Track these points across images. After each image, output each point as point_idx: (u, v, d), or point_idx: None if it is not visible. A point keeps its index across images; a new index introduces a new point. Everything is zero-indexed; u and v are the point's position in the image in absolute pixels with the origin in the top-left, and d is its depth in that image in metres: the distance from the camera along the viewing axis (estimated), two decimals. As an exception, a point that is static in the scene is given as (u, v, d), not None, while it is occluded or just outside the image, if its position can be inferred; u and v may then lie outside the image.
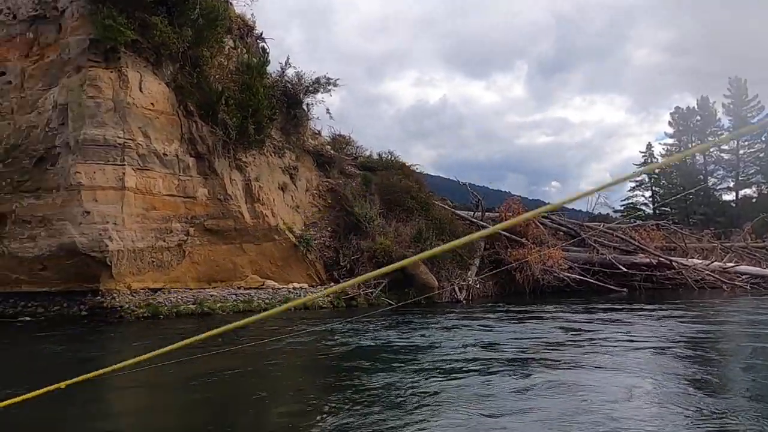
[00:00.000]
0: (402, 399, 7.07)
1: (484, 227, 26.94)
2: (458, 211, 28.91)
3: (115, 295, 17.06)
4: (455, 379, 8.26)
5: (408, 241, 23.35)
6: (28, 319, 16.77)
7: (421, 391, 7.45)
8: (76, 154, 17.26)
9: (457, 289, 23.32)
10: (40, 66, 18.96)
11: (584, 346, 11.23)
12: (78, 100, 17.60)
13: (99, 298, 17.00)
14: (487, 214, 28.81)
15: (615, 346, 10.79)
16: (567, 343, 11.69)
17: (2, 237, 17.66)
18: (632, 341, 11.50)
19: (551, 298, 22.65)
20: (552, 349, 10.77)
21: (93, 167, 17.29)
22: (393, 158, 28.74)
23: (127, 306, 16.90)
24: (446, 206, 28.74)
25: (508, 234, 26.36)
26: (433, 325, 15.06)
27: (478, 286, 24.48)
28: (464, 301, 22.98)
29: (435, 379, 8.32)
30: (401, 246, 22.89)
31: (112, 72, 18.00)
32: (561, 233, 29.38)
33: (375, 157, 29.07)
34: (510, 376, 8.29)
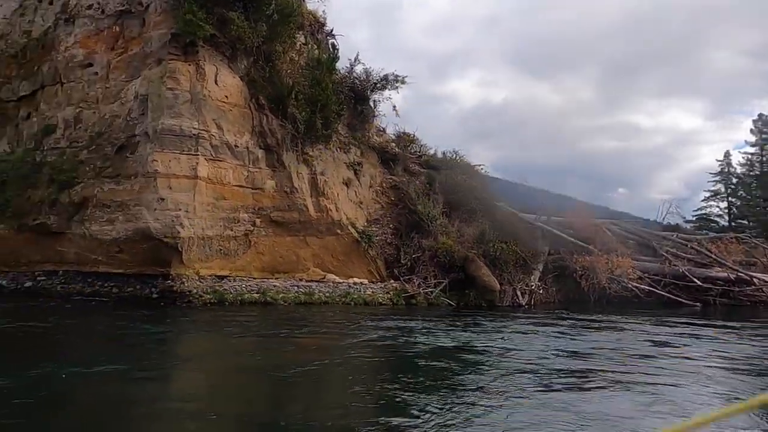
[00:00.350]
0: (501, 405, 6.85)
1: (550, 232, 26.25)
2: (521, 214, 28.21)
3: (184, 279, 17.65)
4: (552, 390, 7.83)
5: (471, 242, 23.00)
6: (105, 299, 17.62)
7: (518, 397, 7.20)
8: (153, 142, 17.98)
9: (519, 293, 22.78)
10: (124, 58, 19.88)
11: (679, 361, 10.55)
12: (158, 92, 18.32)
13: (169, 282, 17.62)
14: (553, 218, 27.96)
15: (716, 365, 10.09)
16: (657, 356, 11.04)
17: (84, 219, 18.61)
18: (730, 359, 10.75)
19: (618, 308, 21.74)
20: (644, 363, 10.16)
21: (169, 156, 17.96)
22: (458, 158, 28.42)
23: (195, 291, 17.45)
24: (509, 208, 28.11)
25: (574, 240, 25.55)
26: (506, 329, 14.76)
27: (540, 291, 23.83)
28: (526, 306, 22.43)
29: (530, 386, 7.97)
30: (464, 246, 22.59)
31: (190, 65, 18.65)
32: (631, 242, 28.16)
33: (439, 155, 28.83)
34: (611, 390, 7.83)
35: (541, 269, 24.65)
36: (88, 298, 17.56)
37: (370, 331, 13.10)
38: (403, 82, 25.17)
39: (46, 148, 20.23)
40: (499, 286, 22.28)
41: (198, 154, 18.34)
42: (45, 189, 18.67)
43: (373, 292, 20.87)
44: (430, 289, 21.63)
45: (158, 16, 19.15)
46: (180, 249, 17.63)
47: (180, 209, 17.86)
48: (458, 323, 15.81)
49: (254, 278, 19.42)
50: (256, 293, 18.44)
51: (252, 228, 19.78)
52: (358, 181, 24.09)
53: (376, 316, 16.69)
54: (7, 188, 19.26)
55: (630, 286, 24.35)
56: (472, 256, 22.47)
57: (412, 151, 28.36)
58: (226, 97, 19.36)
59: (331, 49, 24.75)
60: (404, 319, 15.96)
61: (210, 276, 18.38)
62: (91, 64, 20.38)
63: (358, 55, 25.30)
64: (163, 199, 17.75)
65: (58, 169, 18.80)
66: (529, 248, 24.86)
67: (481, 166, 29.54)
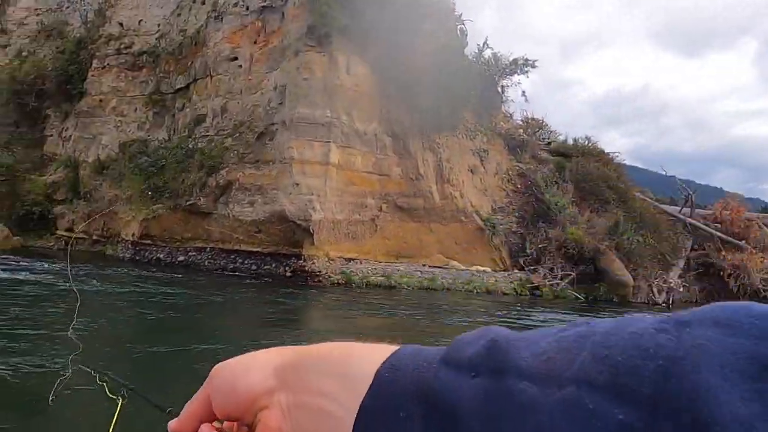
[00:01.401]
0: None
1: (694, 226, 24.14)
2: (661, 206, 26.19)
3: (315, 260, 18.64)
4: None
5: (602, 233, 21.79)
6: (244, 275, 19.14)
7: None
8: (290, 130, 19.09)
9: (655, 290, 21.26)
10: (264, 51, 21.24)
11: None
12: (294, 82, 19.39)
13: (302, 262, 18.72)
14: (696, 210, 25.65)
15: None
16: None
17: (228, 201, 20.28)
18: None
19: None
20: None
21: (303, 143, 18.98)
22: (590, 144, 26.99)
23: (324, 271, 18.38)
24: (647, 198, 26.22)
25: (723, 236, 23.27)
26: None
27: (680, 289, 22.03)
28: (663, 304, 20.88)
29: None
30: (594, 238, 21.46)
31: (324, 55, 19.50)
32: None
33: (569, 142, 27.60)
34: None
35: (681, 265, 22.77)
36: (231, 274, 19.17)
37: (499, 321, 13.00)
38: (533, 66, 24.43)
39: (197, 135, 22.27)
40: (632, 281, 20.96)
41: (330, 141, 19.18)
42: (196, 173, 20.58)
43: (496, 280, 20.59)
44: (557, 281, 20.88)
45: (296, 9, 20.18)
46: (312, 231, 18.63)
47: (312, 194, 18.84)
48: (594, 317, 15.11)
49: (380, 262, 20.00)
50: (381, 276, 19.00)
51: (378, 213, 20.35)
52: (484, 168, 23.78)
53: (501, 306, 16.48)
54: (165, 172, 21.49)
55: (789, 288, 21.74)
56: (603, 249, 21.31)
57: (541, 137, 27.44)
58: (357, 85, 19.99)
59: (459, 35, 24.53)
60: (531, 310, 15.59)
61: (338, 258, 19.22)
62: (236, 58, 22.03)
63: (486, 40, 24.92)
64: (297, 184, 18.83)
65: (207, 155, 20.62)
66: (669, 242, 23.07)
67: (616, 154, 27.84)
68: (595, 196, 23.79)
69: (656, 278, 21.58)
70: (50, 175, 26.20)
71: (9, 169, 25.60)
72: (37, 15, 31.36)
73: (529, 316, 14.45)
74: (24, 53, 29.82)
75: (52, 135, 27.93)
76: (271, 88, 20.39)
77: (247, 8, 21.95)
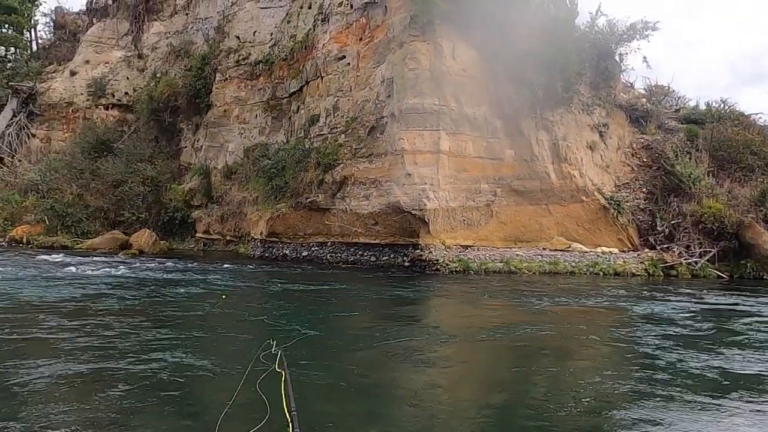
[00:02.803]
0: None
1: None
2: (819, 169, 23.07)
3: (432, 249, 18.73)
4: None
5: (746, 205, 19.71)
6: (364, 266, 19.71)
7: None
8: (399, 122, 19.28)
9: (818, 264, 18.84)
10: (370, 47, 21.61)
11: None
12: (401, 73, 19.54)
13: (419, 251, 18.89)
14: None
15: None
16: None
17: (344, 196, 20.95)
18: None
19: None
20: None
21: (413, 133, 19.09)
22: (726, 107, 24.44)
23: (442, 260, 18.40)
24: (801, 163, 23.22)
25: None
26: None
27: None
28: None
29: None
30: (737, 210, 19.47)
31: (428, 44, 19.44)
32: None
33: (702, 107, 25.21)
34: None
35: None
36: (352, 266, 19.83)
37: (636, 304, 12.25)
38: (653, 29, 22.54)
39: (312, 135, 23.24)
40: (787, 255, 18.74)
41: (439, 129, 19.12)
42: (313, 171, 21.49)
43: (624, 261, 19.40)
44: (694, 259, 19.23)
45: (398, 1, 20.30)
46: (427, 220, 18.72)
47: (425, 183, 18.91)
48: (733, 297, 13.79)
49: (497, 247, 19.65)
50: (500, 262, 18.66)
51: (493, 198, 19.98)
52: (604, 143, 22.44)
53: (635, 287, 15.50)
54: (286, 173, 22.68)
55: None
56: (748, 221, 19.26)
57: (668, 105, 25.37)
58: (463, 70, 19.72)
59: (569, 5, 23.26)
60: (669, 292, 14.49)
61: (455, 245, 19.15)
62: (343, 57, 22.64)
63: (600, 6, 23.40)
64: (410, 175, 19.00)
65: (323, 153, 21.44)
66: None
67: (759, 115, 24.96)
68: (736, 164, 21.56)
69: (816, 251, 19.10)
70: (187, 183, 28.72)
71: (153, 181, 28.42)
72: (167, 38, 34.48)
73: (666, 297, 13.44)
74: (158, 75, 32.93)
75: (186, 146, 30.61)
76: (379, 82, 20.70)
77: (351, 6, 22.47)
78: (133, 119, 33.13)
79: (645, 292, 14.71)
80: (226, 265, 18.68)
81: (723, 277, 18.73)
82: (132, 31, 35.46)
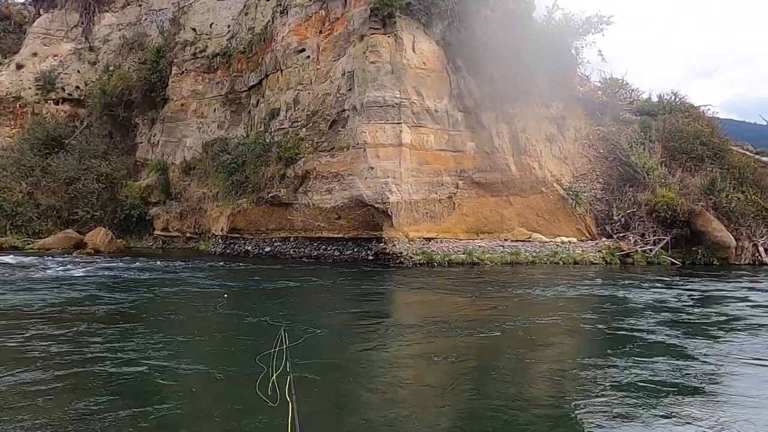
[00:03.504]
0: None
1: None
2: (764, 158, 24.15)
3: (395, 242, 18.77)
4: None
5: (697, 194, 20.46)
6: (328, 261, 19.62)
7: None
8: (361, 115, 19.21)
9: (761, 249, 19.75)
10: (330, 39, 21.43)
11: None
12: (362, 66, 19.45)
13: (382, 245, 18.90)
14: (805, 160, 23.45)
15: None
16: None
17: (307, 191, 20.79)
18: None
19: None
20: None
21: (375, 127, 19.05)
22: (677, 100, 25.27)
23: (405, 252, 18.45)
24: (746, 152, 24.26)
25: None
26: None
27: (791, 247, 20.31)
28: (771, 265, 19.37)
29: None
30: (688, 199, 20.19)
31: (389, 37, 19.40)
32: None
33: (654, 100, 25.99)
34: None
35: (792, 221, 20.97)
36: (316, 261, 19.70)
37: (587, 290, 12.56)
38: (608, 23, 23.05)
39: (273, 129, 22.94)
40: (734, 241, 19.58)
41: (401, 122, 19.13)
42: (274, 166, 21.23)
43: (583, 250, 19.88)
44: (649, 247, 19.87)
45: (357, -6, 20.16)
46: (390, 214, 18.74)
47: (388, 176, 18.92)
48: (688, 283, 14.29)
49: (460, 239, 19.83)
50: (462, 254, 18.84)
51: (455, 190, 20.15)
52: (562, 135, 22.90)
53: (588, 276, 15.89)
54: (246, 168, 22.33)
55: None
56: (699, 209, 20.01)
57: (622, 97, 26.04)
58: (424, 63, 19.77)
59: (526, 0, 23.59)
60: (624, 278, 14.91)
61: (418, 238, 19.24)
62: (303, 49, 22.39)
63: (556, 1, 23.82)
64: (372, 168, 18.97)
65: (284, 147, 21.20)
66: (775, 197, 21.30)
67: (708, 107, 25.91)
68: (687, 155, 22.34)
69: (762, 237, 20.02)
70: (144, 179, 27.97)
71: (107, 178, 27.57)
72: (120, 30, 33.40)
73: (618, 283, 13.84)
74: (111, 68, 31.88)
75: (142, 142, 29.79)
76: (340, 75, 20.57)
77: (310, -1, 22.21)
78: (85, 114, 32.01)
79: (603, 279, 15.11)
80: (189, 263, 18.30)
81: (676, 264, 19.41)
82: (82, 23, 34.18)
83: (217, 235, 23.53)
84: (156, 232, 27.10)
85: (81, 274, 15.01)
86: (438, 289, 13.60)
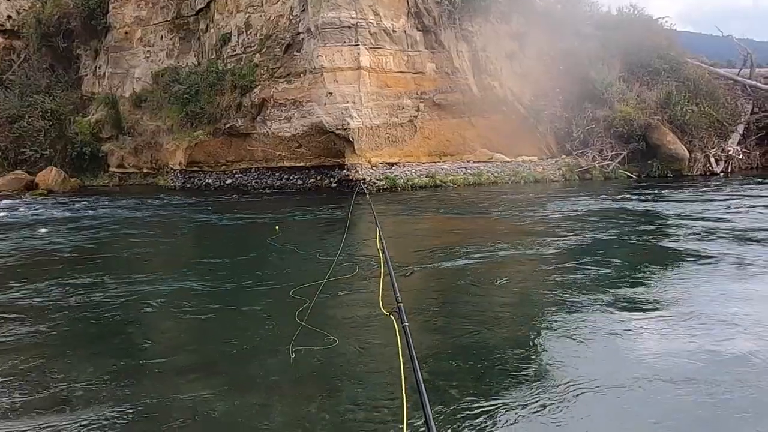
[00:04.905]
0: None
1: (754, 87, 22.60)
2: (717, 70, 24.48)
3: (358, 168, 18.66)
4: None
5: (653, 107, 20.75)
6: (291, 190, 19.46)
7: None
8: (317, 38, 18.50)
9: (713, 160, 20.40)
10: (279, -44, 20.18)
11: None
12: (314, -15, 18.49)
13: (345, 171, 18.79)
14: (757, 70, 23.87)
15: None
16: None
17: (265, 120, 20.24)
18: None
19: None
20: None
21: (332, 49, 18.41)
22: (636, 13, 25.05)
23: (369, 178, 18.42)
24: (701, 64, 24.51)
25: (786, 93, 21.76)
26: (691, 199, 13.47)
27: (740, 156, 21.05)
28: (721, 174, 20.12)
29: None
30: (645, 113, 20.48)
31: (341, -49, 18.36)
32: None
33: (614, 13, 25.71)
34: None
35: (741, 131, 21.64)
36: (279, 191, 19.52)
37: (535, 209, 12.87)
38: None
39: (225, 56, 21.93)
40: (688, 153, 20.15)
41: (358, 44, 18.52)
42: (230, 95, 20.47)
43: (543, 169, 20.20)
44: (606, 162, 20.29)
45: None
46: (351, 139, 18.51)
47: (348, 102, 18.52)
48: (634, 195, 14.75)
49: (423, 163, 19.84)
50: (426, 177, 18.92)
51: (416, 113, 19.92)
52: (523, 52, 22.60)
53: (551, 192, 16.24)
54: (200, 98, 21.46)
55: None
56: (655, 123, 20.38)
57: (582, 11, 25.60)
58: (379, -20, 18.91)
59: None
60: (582, 194, 15.28)
61: (381, 163, 19.16)
62: (251, -32, 21.06)
63: None
64: (331, 94, 18.51)
65: (238, 75, 20.38)
66: (727, 108, 21.80)
67: (665, 19, 25.85)
68: (644, 68, 22.43)
69: (713, 148, 20.63)
70: (92, 114, 26.69)
71: (54, 114, 26.20)
72: (49, -49, 30.65)
73: (578, 199, 14.20)
74: (44, -6, 29.51)
75: (87, 74, 28.14)
76: (292, -5, 19.56)
77: None
78: (21, 46, 29.81)
79: (558, 195, 15.46)
80: (147, 198, 17.91)
81: (632, 177, 19.95)
82: (6, -56, 31.19)
83: (175, 170, 22.92)
84: (111, 169, 26.22)
85: (43, 217, 14.55)
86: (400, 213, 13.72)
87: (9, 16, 30.69)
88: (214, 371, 4.43)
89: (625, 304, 5.73)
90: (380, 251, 4.47)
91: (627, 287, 6.32)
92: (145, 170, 25.49)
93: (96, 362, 4.66)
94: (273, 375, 4.29)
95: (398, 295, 3.09)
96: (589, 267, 7.26)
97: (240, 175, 21.26)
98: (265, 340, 5.06)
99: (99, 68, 27.26)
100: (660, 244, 8.70)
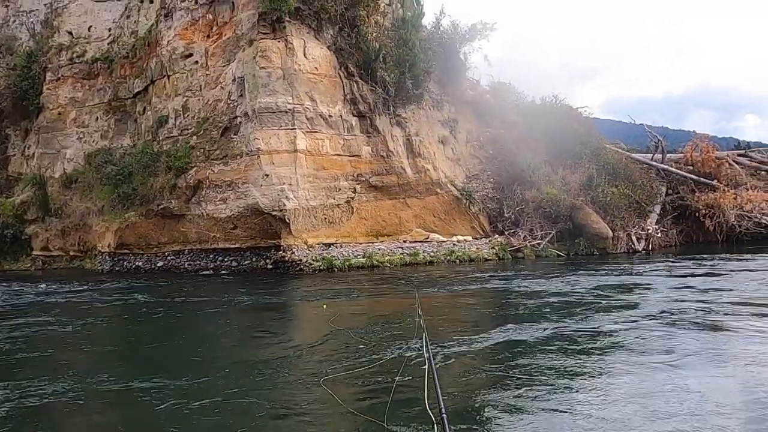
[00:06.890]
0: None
1: (666, 171, 24.42)
2: (633, 155, 26.41)
3: (294, 249, 18.55)
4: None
5: (577, 189, 21.96)
6: (225, 272, 19.02)
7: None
8: (253, 121, 18.82)
9: (634, 238, 21.53)
10: (219, 44, 20.81)
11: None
12: (252, 72, 19.05)
13: (281, 252, 18.62)
14: (668, 155, 25.92)
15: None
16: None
17: (200, 201, 20.03)
18: None
19: (753, 248, 19.83)
20: None
21: (269, 133, 18.74)
22: (558, 102, 26.97)
23: (305, 260, 18.31)
24: (619, 150, 26.41)
25: (695, 177, 23.59)
26: (619, 275, 14.03)
27: (659, 234, 22.34)
28: (643, 251, 21.18)
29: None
30: (570, 194, 21.62)
31: (279, 42, 19.15)
32: (764, 173, 25.46)
33: (538, 102, 27.55)
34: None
35: (658, 211, 23.10)
36: (212, 273, 19.03)
37: (476, 284, 13.07)
38: (492, 30, 24.24)
39: (161, 138, 21.87)
40: (611, 232, 21.20)
41: (295, 128, 18.95)
42: (164, 176, 20.24)
43: (477, 248, 20.70)
44: (537, 241, 21.03)
45: (245, -2, 19.73)
46: (287, 221, 18.50)
47: (284, 183, 18.67)
48: (566, 273, 15.25)
49: (360, 243, 19.97)
50: (363, 257, 18.98)
51: (353, 195, 20.25)
52: (454, 137, 23.73)
53: (480, 272, 16.55)
54: (134, 179, 21.12)
55: (765, 221, 22.12)
56: (579, 204, 21.49)
57: (509, 100, 27.35)
58: (316, 68, 19.70)
59: (415, 6, 24.22)
60: (510, 273, 15.65)
61: (318, 244, 19.15)
62: (191, 54, 21.56)
63: (443, 8, 24.67)
64: (267, 175, 18.64)
65: (174, 157, 20.28)
66: (644, 190, 23.37)
67: (585, 108, 27.88)
68: (568, 153, 23.87)
69: (634, 227, 21.84)
70: (18, 195, 25.66)
71: (-25, 194, 25.04)
72: (-17, 33, 30.40)
73: (510, 279, 14.53)
74: (-26, 74, 28.93)
75: (14, 154, 27.30)
76: (230, 80, 20.03)
77: (196, 2, 21.46)
78: (-54, 125, 28.81)
79: (495, 274, 15.79)
80: (73, 283, 16.99)
81: (561, 256, 20.69)
82: (-62, 24, 30.78)
83: (104, 252, 22.07)
84: (35, 252, 24.97)
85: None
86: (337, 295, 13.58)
87: (-66, 95, 29.74)
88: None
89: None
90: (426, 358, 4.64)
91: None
92: (71, 253, 24.41)
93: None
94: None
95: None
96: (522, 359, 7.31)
97: (172, 257, 20.68)
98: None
99: (28, 148, 26.52)
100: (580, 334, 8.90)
